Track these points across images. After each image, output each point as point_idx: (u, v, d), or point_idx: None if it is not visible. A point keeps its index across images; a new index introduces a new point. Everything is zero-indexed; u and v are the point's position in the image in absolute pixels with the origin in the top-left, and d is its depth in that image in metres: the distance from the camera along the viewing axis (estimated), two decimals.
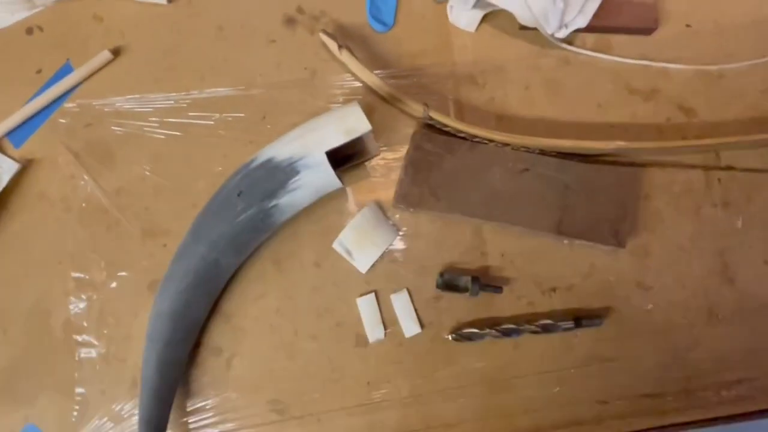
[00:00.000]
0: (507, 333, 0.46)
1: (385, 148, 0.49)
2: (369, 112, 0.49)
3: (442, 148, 0.48)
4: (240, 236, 0.42)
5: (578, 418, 0.47)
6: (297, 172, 0.40)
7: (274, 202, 0.41)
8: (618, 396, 0.47)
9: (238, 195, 0.41)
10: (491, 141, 0.48)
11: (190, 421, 0.47)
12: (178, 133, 0.49)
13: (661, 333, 0.47)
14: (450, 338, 0.47)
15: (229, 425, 0.47)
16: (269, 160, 0.41)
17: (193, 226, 0.43)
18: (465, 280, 0.46)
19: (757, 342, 0.48)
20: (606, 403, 0.47)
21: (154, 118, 0.50)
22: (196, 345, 0.47)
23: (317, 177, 0.41)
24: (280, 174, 0.40)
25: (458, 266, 0.48)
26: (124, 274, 0.48)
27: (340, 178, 0.44)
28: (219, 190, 0.43)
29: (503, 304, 0.48)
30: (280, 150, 0.41)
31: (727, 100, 0.51)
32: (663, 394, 0.47)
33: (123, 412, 0.47)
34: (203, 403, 0.47)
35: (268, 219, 0.42)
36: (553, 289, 0.48)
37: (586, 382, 0.47)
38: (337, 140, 0.40)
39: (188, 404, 0.47)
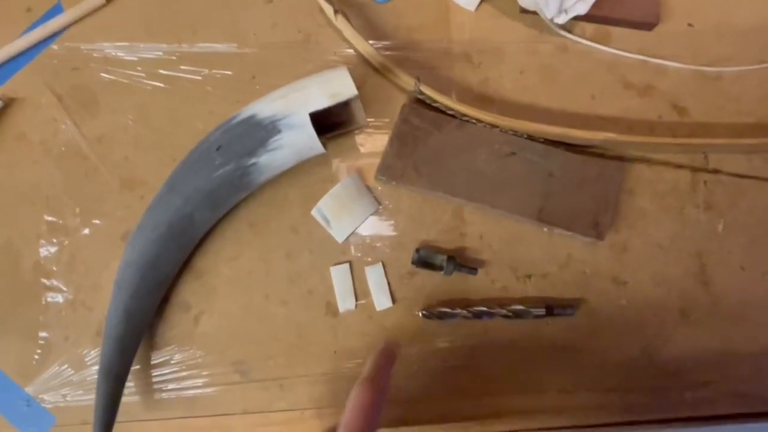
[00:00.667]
0: (478, 315, 0.46)
1: (373, 120, 0.49)
2: (360, 82, 0.49)
3: (430, 123, 0.47)
4: (216, 192, 0.41)
5: (541, 405, 0.47)
6: (278, 132, 0.40)
7: (253, 161, 0.40)
8: (583, 387, 0.47)
9: (217, 149, 0.40)
10: (480, 121, 0.47)
11: (153, 374, 0.47)
12: (165, 86, 0.49)
13: (632, 329, 0.47)
14: (420, 315, 0.47)
15: (191, 382, 0.46)
16: (251, 117, 0.40)
17: (170, 177, 0.43)
18: (441, 259, 0.46)
19: (725, 346, 0.48)
20: (570, 393, 0.47)
21: (142, 68, 0.49)
22: (165, 299, 0.47)
23: (299, 138, 0.40)
24: (261, 132, 0.40)
25: (435, 244, 0.48)
26: (98, 222, 0.48)
27: (324, 144, 0.44)
28: (199, 144, 0.42)
29: (477, 286, 0.47)
30: (263, 107, 0.40)
31: (722, 104, 0.50)
32: (628, 390, 0.47)
33: (86, 360, 0.46)
34: (167, 358, 0.47)
35: (246, 177, 0.41)
36: (529, 276, 0.48)
37: (552, 371, 0.47)
38: (322, 102, 0.39)
39: (152, 358, 0.47)
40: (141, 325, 0.43)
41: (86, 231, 0.47)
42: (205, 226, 0.44)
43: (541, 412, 0.47)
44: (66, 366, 0.46)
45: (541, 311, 0.46)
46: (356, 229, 0.47)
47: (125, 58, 0.49)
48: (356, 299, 0.47)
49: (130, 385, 0.47)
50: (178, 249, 0.42)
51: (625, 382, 0.47)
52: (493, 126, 0.47)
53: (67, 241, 0.47)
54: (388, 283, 0.47)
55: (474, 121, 0.47)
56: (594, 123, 0.50)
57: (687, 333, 0.47)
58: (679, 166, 0.49)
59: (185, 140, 0.48)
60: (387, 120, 0.49)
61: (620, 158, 0.49)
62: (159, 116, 0.49)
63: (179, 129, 0.48)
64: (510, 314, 0.46)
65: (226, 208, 0.44)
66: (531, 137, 0.48)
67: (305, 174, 0.48)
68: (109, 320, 0.42)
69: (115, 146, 0.48)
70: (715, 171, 0.49)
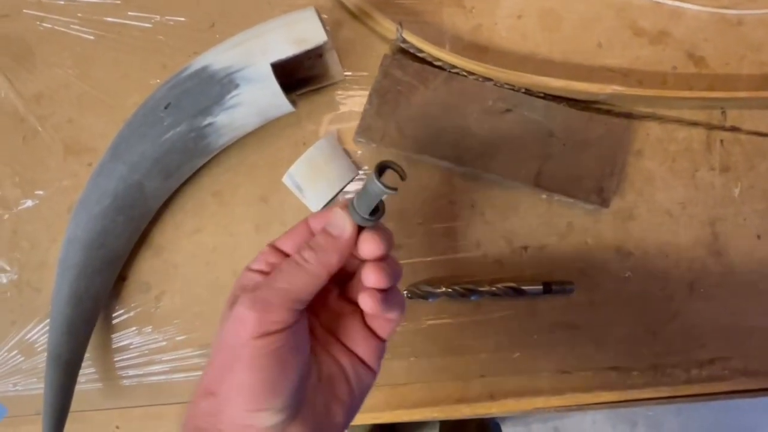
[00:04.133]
0: (466, 294, 0.42)
1: (350, 74, 0.43)
2: (334, 30, 0.43)
3: (415, 77, 0.42)
4: (167, 157, 0.36)
5: (536, 387, 0.43)
6: (236, 86, 0.34)
7: (208, 120, 0.35)
8: (581, 367, 0.43)
9: (165, 107, 0.34)
10: (472, 74, 0.42)
11: (115, 359, 0.43)
12: (110, 35, 0.42)
13: (636, 304, 0.43)
14: (405, 294, 0.42)
15: (155, 368, 0.42)
16: (203, 69, 0.34)
17: (113, 141, 0.37)
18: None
19: (736, 321, 0.44)
20: (568, 374, 0.44)
21: (82, 15, 0.43)
22: (122, 278, 0.42)
23: (261, 94, 0.35)
24: (216, 86, 0.34)
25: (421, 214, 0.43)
26: (41, 193, 0.42)
27: (293, 101, 0.38)
28: (145, 102, 0.37)
29: (468, 261, 0.43)
30: (217, 57, 0.34)
31: (743, 52, 0.45)
32: (629, 369, 0.44)
33: (36, 346, 0.42)
34: (127, 342, 0.43)
35: (202, 140, 0.36)
36: (525, 248, 0.43)
37: (548, 349, 0.43)
38: (285, 50, 0.33)
39: (110, 341, 0.42)
40: (92, 307, 0.38)
41: (28, 203, 0.42)
42: (159, 197, 0.39)
43: (536, 393, 0.43)
44: (15, 352, 0.42)
45: (538, 289, 0.41)
46: (334, 198, 0.42)
47: (62, 2, 0.42)
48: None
49: (89, 371, 0.43)
50: (128, 223, 0.37)
51: (626, 360, 0.44)
52: (487, 79, 0.42)
53: (6, 215, 0.42)
54: None
55: (465, 73, 0.42)
56: (600, 75, 0.44)
57: (696, 307, 0.43)
58: (694, 124, 0.44)
59: (137, 98, 0.42)
60: (366, 74, 0.43)
61: (628, 115, 0.44)
62: (105, 71, 0.42)
63: (128, 85, 0.42)
64: (500, 293, 0.42)
65: (183, 177, 0.39)
66: (529, 92, 0.42)
67: (274, 136, 0.43)
68: (55, 303, 0.38)
69: (56, 106, 0.42)
70: (734, 129, 0.44)
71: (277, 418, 0.23)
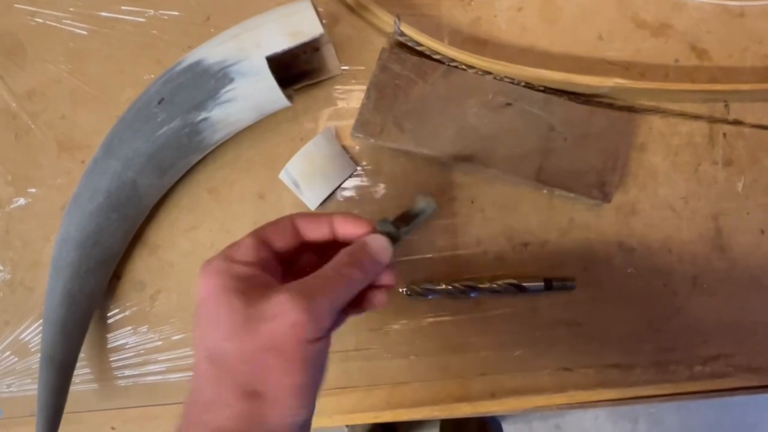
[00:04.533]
0: (466, 291, 0.41)
1: (347, 68, 0.42)
2: (332, 23, 0.42)
3: (413, 71, 0.41)
4: (161, 153, 0.35)
5: (538, 385, 0.43)
6: (230, 80, 0.33)
7: (202, 116, 0.34)
8: (583, 364, 0.43)
9: (159, 103, 0.34)
10: (471, 67, 0.41)
11: (111, 359, 0.42)
12: (103, 30, 0.42)
13: (639, 300, 0.43)
14: (403, 293, 0.42)
15: (151, 368, 0.42)
16: (197, 63, 0.34)
17: (106, 137, 0.37)
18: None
19: (740, 316, 0.43)
20: (570, 371, 0.43)
21: (75, 9, 0.42)
22: (116, 277, 0.41)
23: (256, 88, 0.34)
24: (210, 80, 0.33)
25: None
26: (34, 191, 0.42)
27: (290, 96, 0.37)
28: (138, 97, 0.36)
29: (468, 258, 0.42)
30: (210, 51, 0.34)
31: (746, 44, 0.44)
32: (632, 366, 0.43)
33: (30, 346, 0.42)
34: (123, 342, 0.42)
35: (196, 136, 0.35)
36: (525, 244, 0.43)
37: (550, 347, 0.43)
38: (280, 43, 0.33)
39: (105, 341, 0.42)
40: (86, 307, 0.38)
41: (21, 201, 0.42)
42: (153, 194, 0.38)
43: (538, 391, 0.43)
44: (8, 353, 0.42)
45: (539, 286, 0.41)
46: (331, 194, 0.42)
47: None
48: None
49: (84, 371, 0.42)
50: (121, 220, 0.37)
51: (629, 357, 0.43)
52: (486, 73, 0.41)
53: None
54: None
55: (464, 67, 0.41)
56: (601, 68, 0.43)
57: (699, 302, 0.43)
58: (696, 117, 0.44)
59: (131, 94, 0.41)
60: (364, 68, 0.42)
61: (630, 109, 0.43)
62: (98, 66, 0.42)
63: (122, 81, 0.42)
64: (501, 289, 0.41)
65: (177, 173, 0.38)
66: (529, 85, 0.41)
67: (271, 132, 0.42)
68: (48, 303, 0.37)
69: (49, 103, 0.42)
70: (737, 122, 0.44)
71: (310, 411, 0.25)
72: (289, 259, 0.29)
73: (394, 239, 0.30)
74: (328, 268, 0.27)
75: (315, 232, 0.29)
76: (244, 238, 0.27)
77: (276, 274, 0.28)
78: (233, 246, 0.27)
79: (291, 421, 0.24)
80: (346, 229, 0.29)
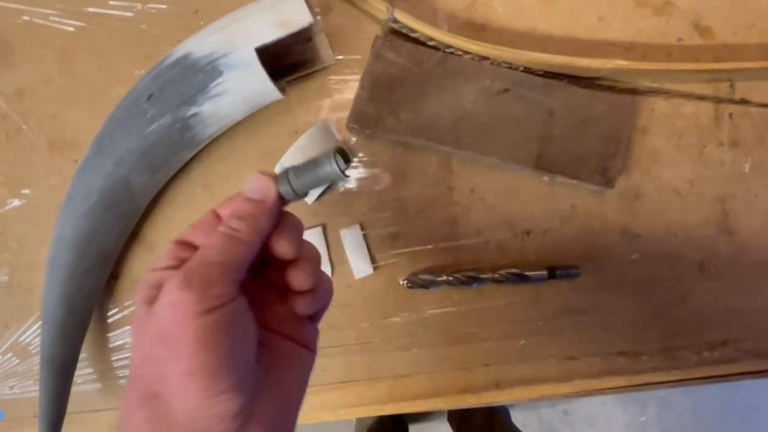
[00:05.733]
0: (468, 282, 0.40)
1: (341, 57, 0.41)
2: (323, 12, 0.41)
3: (408, 58, 0.40)
4: (153, 150, 0.34)
5: (543, 374, 0.42)
6: (219, 73, 0.32)
7: (193, 110, 0.33)
8: (589, 352, 0.42)
9: (148, 99, 0.33)
10: (467, 53, 0.40)
11: (113, 359, 0.42)
12: (90, 26, 0.41)
13: (644, 286, 0.42)
14: (404, 284, 0.41)
15: None
16: (185, 57, 0.33)
17: (97, 135, 0.36)
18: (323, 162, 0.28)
19: (748, 301, 0.42)
20: (575, 360, 0.42)
21: (61, 6, 0.41)
22: (114, 276, 0.41)
23: (246, 81, 0.33)
24: (199, 74, 0.32)
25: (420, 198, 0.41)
26: (27, 192, 0.41)
27: (282, 88, 0.37)
28: (127, 94, 0.35)
29: (470, 247, 0.41)
30: (198, 44, 0.33)
31: (751, 21, 0.43)
32: (639, 353, 0.42)
33: (31, 348, 0.41)
34: (124, 341, 0.42)
35: (187, 132, 0.35)
36: (527, 233, 0.42)
37: (554, 336, 0.42)
38: (270, 34, 0.32)
39: (106, 341, 0.42)
40: (84, 308, 0.38)
41: (15, 203, 0.41)
42: (147, 192, 0.38)
43: (543, 381, 0.42)
44: (9, 355, 0.41)
45: (542, 274, 0.40)
46: (328, 187, 0.41)
47: None
48: (332, 266, 0.41)
49: (86, 372, 0.42)
50: (117, 220, 0.36)
51: (635, 344, 0.42)
52: (483, 58, 0.40)
53: None
54: (368, 248, 0.41)
55: (460, 53, 0.40)
56: (602, 50, 0.42)
57: (706, 288, 0.42)
58: (701, 98, 0.42)
59: (121, 91, 0.40)
60: (358, 57, 0.41)
61: (632, 91, 0.42)
62: (87, 64, 0.41)
63: (112, 78, 0.41)
64: (503, 279, 0.40)
65: (171, 170, 0.38)
66: (528, 70, 0.40)
67: (265, 125, 0.41)
68: (46, 305, 0.37)
69: (39, 102, 0.41)
70: (743, 101, 0.42)
71: (239, 399, 0.21)
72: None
73: (292, 196, 0.26)
74: (208, 236, 0.24)
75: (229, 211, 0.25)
76: (168, 246, 0.25)
77: None
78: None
79: (205, 414, 0.21)
80: (253, 188, 0.25)
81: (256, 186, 0.25)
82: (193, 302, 0.21)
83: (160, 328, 0.22)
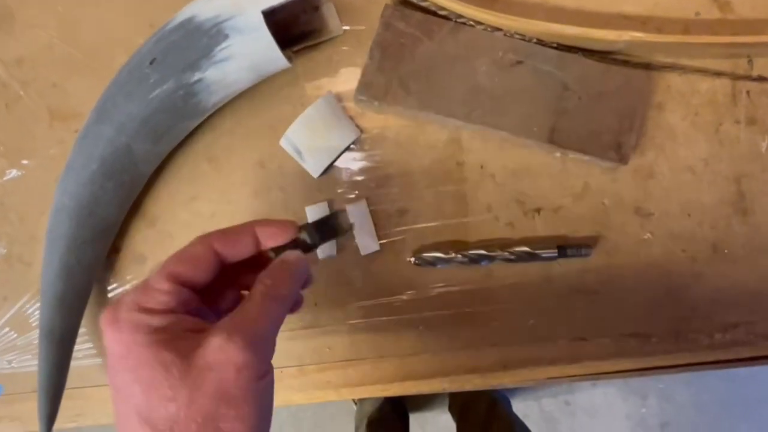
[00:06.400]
0: (476, 260, 0.39)
1: (349, 27, 0.40)
2: None
3: (418, 28, 0.39)
4: (155, 117, 0.33)
5: (552, 355, 0.42)
6: (225, 37, 0.31)
7: (197, 76, 0.32)
8: (599, 334, 0.42)
9: (150, 63, 0.32)
10: (479, 24, 0.39)
11: None
12: None
13: (656, 267, 0.41)
14: (411, 261, 0.40)
15: None
16: (189, 20, 0.32)
17: (98, 101, 0.35)
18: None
19: (763, 283, 0.41)
20: (585, 341, 0.42)
21: None
22: (115, 250, 0.40)
23: (252, 46, 0.32)
24: (203, 38, 0.31)
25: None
26: (27, 162, 0.40)
27: (289, 57, 0.36)
28: (130, 58, 0.34)
29: (479, 224, 0.41)
30: (203, 6, 0.32)
31: None
32: (649, 335, 0.42)
33: (30, 321, 0.41)
34: None
35: (191, 99, 0.34)
36: (538, 210, 0.41)
37: (564, 316, 0.41)
38: None
39: None
40: (84, 279, 0.37)
41: (14, 173, 0.40)
42: (149, 162, 0.37)
43: (551, 362, 0.42)
44: (8, 329, 0.41)
45: (553, 253, 0.39)
46: (334, 161, 0.40)
47: None
48: (337, 244, 0.40)
49: (87, 346, 0.41)
50: (117, 189, 0.35)
51: (646, 326, 0.42)
52: (496, 29, 0.39)
53: None
54: (374, 224, 0.40)
55: (472, 23, 0.39)
56: (617, 23, 0.41)
57: (720, 269, 0.41)
58: (718, 74, 0.41)
59: (123, 59, 0.39)
60: (366, 27, 0.40)
61: (648, 66, 0.41)
62: (89, 31, 0.40)
63: (114, 46, 0.40)
64: (513, 257, 0.39)
65: (174, 139, 0.37)
66: (541, 42, 0.39)
67: (271, 97, 0.40)
68: (45, 276, 0.36)
69: (40, 70, 0.40)
70: (761, 78, 0.41)
71: None
72: (210, 287, 0.26)
73: (310, 248, 0.29)
74: (255, 295, 0.25)
75: (237, 250, 0.26)
76: (156, 281, 0.24)
77: (200, 309, 0.26)
78: (142, 291, 0.24)
79: None
80: (272, 238, 0.27)
81: (300, 266, 0.27)
82: (257, 365, 0.23)
83: (219, 386, 0.22)
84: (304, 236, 0.28)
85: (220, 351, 0.22)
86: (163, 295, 0.24)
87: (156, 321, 0.23)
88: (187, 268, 0.25)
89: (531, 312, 0.41)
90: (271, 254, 0.28)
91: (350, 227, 0.32)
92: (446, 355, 0.42)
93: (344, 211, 0.36)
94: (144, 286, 0.24)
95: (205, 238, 0.26)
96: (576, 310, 0.41)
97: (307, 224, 0.29)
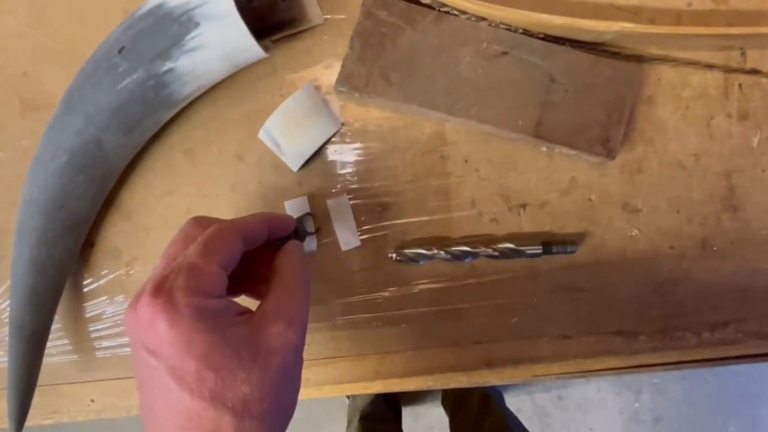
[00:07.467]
0: (460, 257, 0.39)
1: (329, 16, 0.39)
2: None
3: (400, 18, 0.38)
4: (125, 109, 0.32)
5: (536, 353, 0.41)
6: (195, 24, 0.30)
7: (168, 66, 0.31)
8: (584, 331, 0.41)
9: (119, 52, 0.31)
10: (463, 13, 0.37)
11: (89, 329, 0.40)
12: None
13: (644, 263, 0.40)
14: (393, 257, 0.39)
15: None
16: (158, 6, 0.30)
17: (66, 91, 0.34)
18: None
19: (752, 280, 0.41)
20: (570, 339, 0.41)
21: None
22: (90, 244, 0.39)
23: (225, 34, 0.31)
24: (173, 25, 0.30)
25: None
26: None
27: (266, 47, 0.34)
28: (99, 46, 0.33)
29: (463, 220, 0.40)
30: None
31: None
32: (636, 333, 0.41)
33: (3, 317, 0.40)
34: (99, 311, 0.40)
35: (163, 90, 0.32)
36: (523, 206, 0.40)
37: (549, 313, 0.40)
38: None
39: (82, 311, 0.40)
40: (55, 274, 0.36)
41: None
42: (121, 155, 0.35)
43: (536, 360, 0.41)
44: None
45: (538, 250, 0.38)
46: (314, 154, 0.39)
47: None
48: (317, 239, 0.39)
49: (61, 342, 0.40)
50: (88, 183, 0.34)
51: (633, 323, 0.41)
52: (480, 18, 0.38)
53: None
54: (355, 219, 0.39)
55: (456, 12, 0.38)
56: (607, 13, 0.40)
57: (709, 266, 0.40)
58: (710, 67, 0.40)
59: (96, 47, 0.38)
60: (347, 16, 0.39)
61: (638, 58, 0.40)
62: (61, 18, 0.39)
63: (88, 34, 0.38)
64: (497, 254, 0.39)
65: (146, 132, 0.36)
66: (527, 32, 0.38)
67: (248, 88, 0.39)
68: (15, 270, 0.35)
69: (10, 58, 0.39)
70: (754, 71, 0.40)
71: None
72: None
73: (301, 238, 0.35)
74: (288, 285, 0.28)
75: (256, 240, 0.29)
76: (206, 264, 0.25)
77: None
78: (193, 275, 0.24)
79: None
80: (279, 230, 0.30)
81: (303, 254, 0.31)
82: (302, 347, 0.27)
83: (283, 367, 0.25)
84: (301, 229, 0.32)
85: (282, 336, 0.25)
86: (216, 278, 0.25)
87: (216, 305, 0.24)
88: (230, 253, 0.26)
89: (515, 309, 0.40)
90: (278, 244, 0.30)
91: (313, 233, 0.37)
92: (429, 352, 0.41)
93: (310, 214, 0.38)
94: (192, 270, 0.24)
95: (231, 227, 0.27)
96: (561, 308, 0.40)
97: (300, 217, 0.34)
